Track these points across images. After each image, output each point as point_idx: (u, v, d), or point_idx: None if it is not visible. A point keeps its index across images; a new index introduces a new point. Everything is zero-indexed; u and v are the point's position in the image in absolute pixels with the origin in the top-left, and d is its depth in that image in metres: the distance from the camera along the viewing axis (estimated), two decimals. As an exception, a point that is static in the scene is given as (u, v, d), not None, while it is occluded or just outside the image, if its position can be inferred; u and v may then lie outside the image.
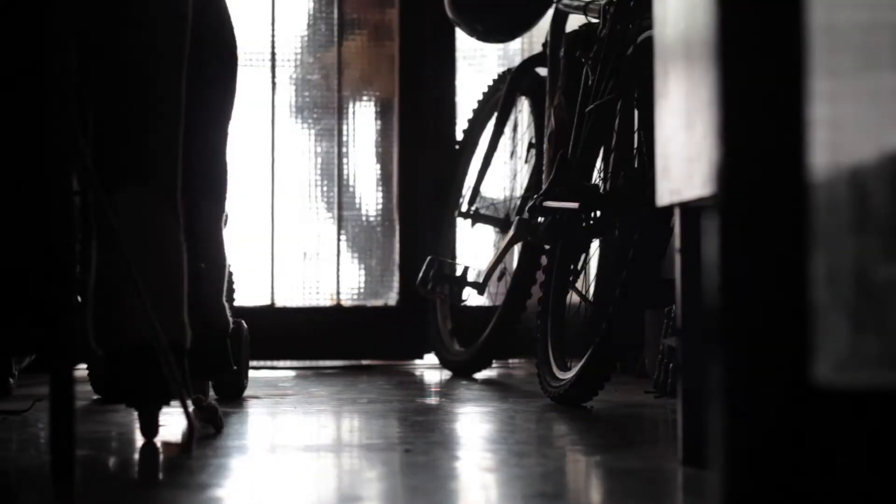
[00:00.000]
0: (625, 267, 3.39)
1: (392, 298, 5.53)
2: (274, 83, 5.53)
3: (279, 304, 5.46)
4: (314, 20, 5.72)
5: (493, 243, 5.13)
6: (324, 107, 5.64)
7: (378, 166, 5.69)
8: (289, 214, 5.55)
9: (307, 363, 5.42)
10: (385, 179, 5.65)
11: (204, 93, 3.07)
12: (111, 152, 2.71)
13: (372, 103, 5.77)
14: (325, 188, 5.65)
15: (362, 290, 5.57)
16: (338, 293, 5.53)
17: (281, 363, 5.37)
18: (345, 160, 5.64)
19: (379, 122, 5.73)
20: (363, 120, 5.73)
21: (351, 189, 5.67)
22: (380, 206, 5.67)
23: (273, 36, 5.54)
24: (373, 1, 5.72)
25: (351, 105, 5.71)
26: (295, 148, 5.60)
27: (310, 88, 5.61)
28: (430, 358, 5.50)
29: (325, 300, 5.54)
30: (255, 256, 5.43)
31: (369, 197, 5.69)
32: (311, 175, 5.65)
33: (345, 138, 5.66)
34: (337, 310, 5.50)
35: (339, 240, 5.57)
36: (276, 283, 5.45)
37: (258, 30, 5.53)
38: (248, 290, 5.28)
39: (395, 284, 5.53)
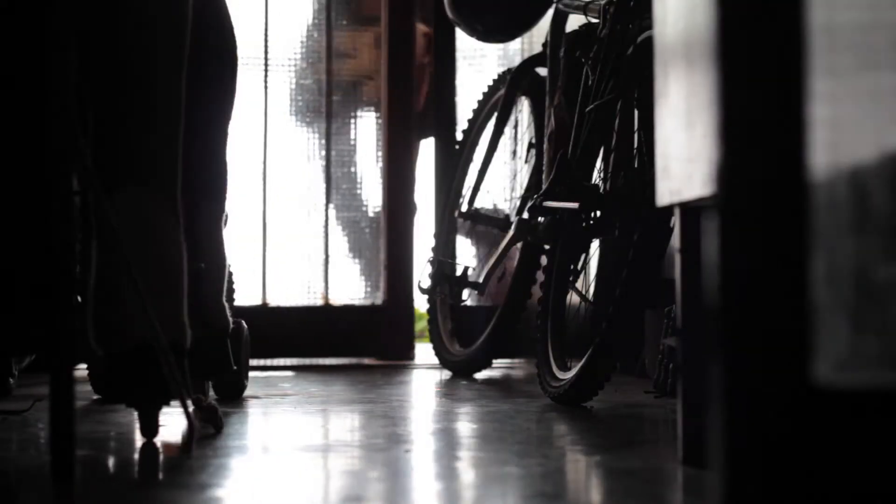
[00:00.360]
0: (625, 267, 3.39)
1: (379, 298, 5.62)
2: (266, 86, 5.62)
3: (272, 303, 5.56)
4: (308, 27, 5.80)
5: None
6: (315, 111, 5.75)
7: (367, 169, 5.81)
8: (280, 216, 5.65)
9: (305, 361, 5.45)
10: (374, 182, 5.76)
11: (204, 93, 3.07)
12: (111, 152, 2.71)
13: (362, 107, 5.90)
14: (315, 190, 5.75)
15: (351, 290, 5.69)
16: (326, 293, 5.63)
17: (276, 362, 5.41)
18: (334, 163, 5.75)
19: (368, 125, 5.84)
20: (353, 123, 5.84)
21: (341, 191, 5.78)
22: (368, 208, 5.80)
23: (266, 40, 5.63)
24: (365, 7, 5.81)
25: (341, 109, 5.82)
26: (287, 150, 5.70)
27: (302, 93, 5.72)
28: (425, 358, 5.50)
29: (317, 300, 5.65)
30: (248, 257, 5.52)
31: (359, 199, 5.81)
32: (302, 177, 5.76)
33: (334, 142, 5.76)
34: (327, 309, 5.60)
35: (327, 241, 5.69)
36: (268, 282, 5.57)
37: (252, 33, 5.62)
38: (241, 290, 5.37)
39: (382, 284, 5.64)
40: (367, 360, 5.50)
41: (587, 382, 3.48)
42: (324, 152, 5.73)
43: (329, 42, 5.71)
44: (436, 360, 5.18)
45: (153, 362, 2.58)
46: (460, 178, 4.99)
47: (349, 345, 5.56)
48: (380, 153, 5.74)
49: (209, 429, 2.90)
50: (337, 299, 5.67)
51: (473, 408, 3.58)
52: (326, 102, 5.76)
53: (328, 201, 5.72)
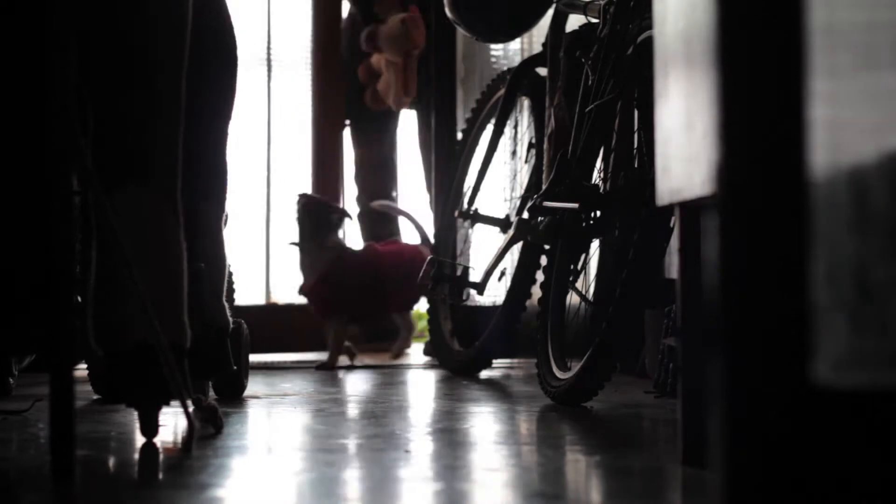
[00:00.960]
0: (625, 267, 3.39)
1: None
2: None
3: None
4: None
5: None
6: (255, 116, 6.01)
7: (304, 171, 6.15)
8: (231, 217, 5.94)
9: (293, 358, 5.52)
10: (305, 184, 6.08)
11: (204, 93, 3.07)
12: (111, 152, 2.71)
13: (306, 112, 6.17)
14: (255, 193, 5.98)
15: (291, 289, 6.02)
16: (267, 292, 5.94)
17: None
18: (273, 166, 6.02)
19: (309, 128, 6.12)
20: (293, 128, 6.08)
21: (279, 193, 6.03)
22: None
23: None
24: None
25: (283, 115, 6.08)
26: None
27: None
28: (424, 358, 5.50)
29: (262, 299, 6.01)
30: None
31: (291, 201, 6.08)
32: (246, 180, 5.99)
33: (274, 145, 6.09)
34: (272, 308, 5.81)
35: (268, 241, 5.92)
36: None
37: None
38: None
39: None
40: (366, 360, 5.51)
41: (587, 382, 3.48)
42: (264, 154, 6.05)
43: (269, 64, 5.93)
44: (435, 360, 5.18)
45: (153, 362, 2.58)
46: (460, 177, 4.99)
47: (290, 340, 5.92)
48: (308, 155, 6.11)
49: (209, 429, 2.90)
50: (280, 298, 5.96)
51: (473, 408, 3.58)
52: (267, 109, 6.05)
53: (268, 203, 6.05)
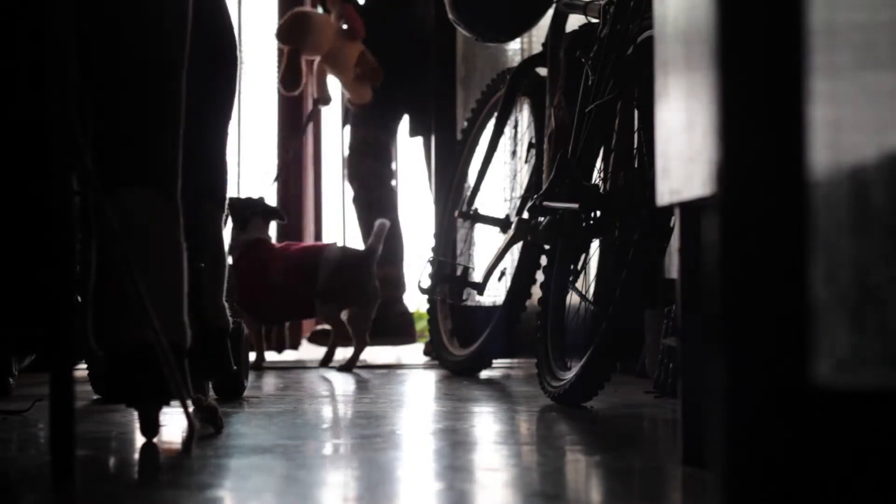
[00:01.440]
0: (625, 267, 3.39)
1: None
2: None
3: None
4: None
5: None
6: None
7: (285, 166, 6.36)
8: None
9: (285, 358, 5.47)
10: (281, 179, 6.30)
11: (204, 92, 3.07)
12: (111, 152, 2.70)
13: (275, 109, 6.30)
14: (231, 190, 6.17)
15: None
16: None
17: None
18: (242, 160, 6.16)
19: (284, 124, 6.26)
20: (261, 122, 6.20)
21: (248, 189, 6.19)
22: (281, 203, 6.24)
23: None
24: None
25: (251, 110, 6.22)
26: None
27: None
28: (424, 358, 5.50)
29: None
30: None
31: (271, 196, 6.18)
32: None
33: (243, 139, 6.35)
34: None
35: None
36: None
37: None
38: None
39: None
40: (364, 359, 5.51)
41: (587, 382, 3.48)
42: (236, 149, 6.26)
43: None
44: (435, 360, 5.18)
45: (153, 362, 2.58)
46: (460, 177, 4.99)
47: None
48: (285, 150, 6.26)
49: (209, 429, 2.90)
50: None
51: (473, 407, 3.58)
52: (238, 105, 6.30)
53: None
